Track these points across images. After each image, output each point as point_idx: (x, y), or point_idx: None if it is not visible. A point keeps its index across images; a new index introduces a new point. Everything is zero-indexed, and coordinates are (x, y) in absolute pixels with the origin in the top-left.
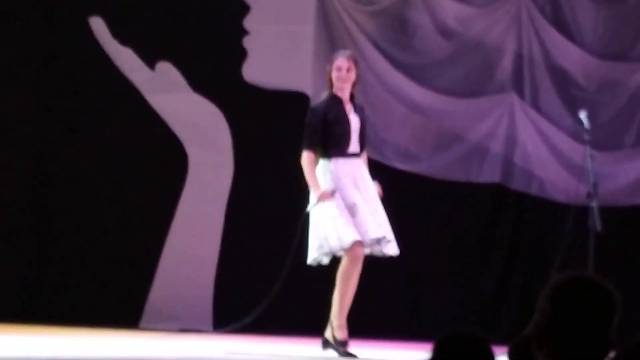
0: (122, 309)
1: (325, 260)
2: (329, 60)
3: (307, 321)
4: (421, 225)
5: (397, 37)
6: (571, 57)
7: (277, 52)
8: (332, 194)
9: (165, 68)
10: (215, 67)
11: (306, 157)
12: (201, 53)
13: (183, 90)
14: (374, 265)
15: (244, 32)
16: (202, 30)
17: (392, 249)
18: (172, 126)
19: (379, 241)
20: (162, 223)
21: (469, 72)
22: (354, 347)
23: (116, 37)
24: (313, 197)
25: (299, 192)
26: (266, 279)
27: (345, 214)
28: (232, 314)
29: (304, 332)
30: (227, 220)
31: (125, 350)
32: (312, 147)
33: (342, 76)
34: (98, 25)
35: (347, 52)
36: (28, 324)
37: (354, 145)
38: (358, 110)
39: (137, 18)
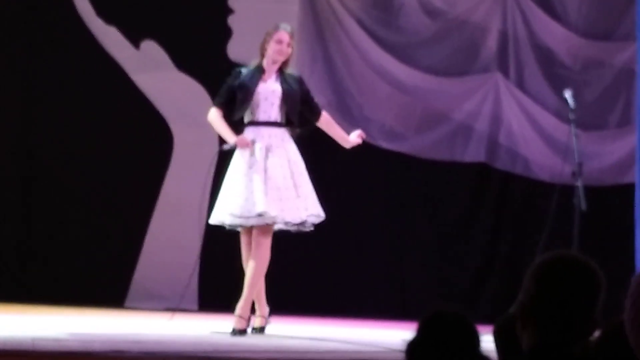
0: (107, 288)
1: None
2: (268, 32)
3: (292, 299)
4: (406, 205)
5: (382, 15)
6: (556, 36)
7: (262, 31)
8: (251, 142)
9: (150, 47)
10: (200, 46)
11: (211, 111)
12: (186, 31)
13: (168, 68)
14: (358, 244)
15: (228, 11)
16: (187, 8)
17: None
18: (157, 105)
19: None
20: (147, 201)
21: (453, 51)
22: (338, 326)
23: (101, 15)
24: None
25: None
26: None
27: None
28: (217, 292)
29: (289, 310)
30: (212, 198)
31: (110, 328)
32: (217, 105)
33: (283, 49)
34: (82, 4)
35: (289, 27)
36: (13, 303)
37: (264, 114)
38: (287, 80)
39: None
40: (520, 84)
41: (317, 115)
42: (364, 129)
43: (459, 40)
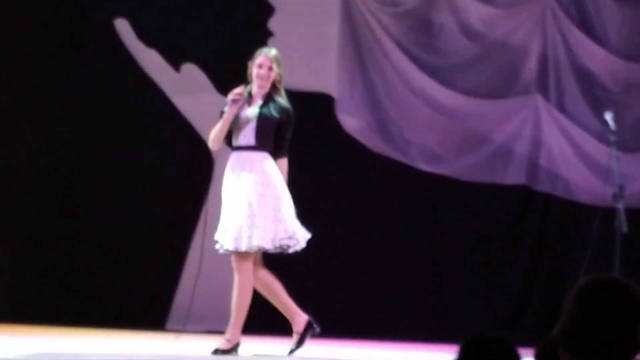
0: (148, 310)
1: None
2: (253, 57)
3: (332, 320)
4: (447, 227)
5: (421, 38)
6: (596, 58)
7: (302, 54)
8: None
9: (191, 69)
10: (240, 68)
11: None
12: (226, 54)
13: (208, 91)
14: (399, 267)
15: (268, 34)
16: (227, 31)
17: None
18: (196, 127)
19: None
20: (187, 224)
21: (493, 73)
22: (379, 348)
23: (141, 38)
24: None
25: (321, 190)
26: (291, 279)
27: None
28: (258, 314)
29: (329, 332)
30: None
31: (151, 351)
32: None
33: (262, 73)
34: (123, 27)
35: (272, 51)
36: (55, 326)
37: (243, 138)
38: (270, 106)
39: (162, 20)
40: (561, 106)
41: (277, 155)
42: (405, 152)
43: (499, 62)
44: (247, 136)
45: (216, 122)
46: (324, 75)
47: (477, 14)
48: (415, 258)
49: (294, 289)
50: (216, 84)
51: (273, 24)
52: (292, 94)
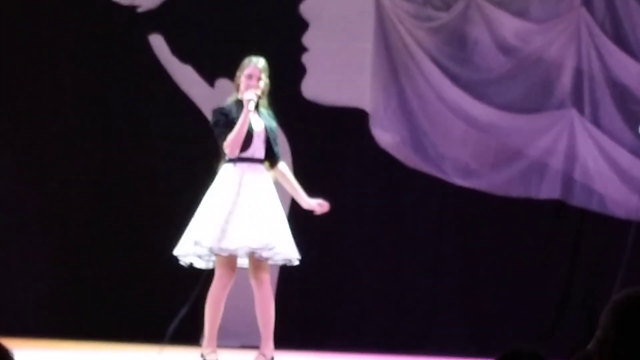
0: (183, 325)
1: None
2: (241, 66)
3: (363, 334)
4: (481, 242)
5: (456, 53)
6: (631, 72)
7: (336, 69)
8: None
9: (225, 85)
10: (274, 84)
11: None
12: None
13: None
14: (433, 281)
15: (303, 49)
16: (260, 46)
17: (276, 256)
18: None
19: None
20: None
21: (528, 88)
22: None
23: (176, 54)
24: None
25: (354, 204)
26: (322, 293)
27: (221, 220)
28: (294, 329)
29: (362, 346)
30: None
31: None
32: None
33: (252, 84)
34: (158, 43)
35: (261, 61)
36: (89, 341)
37: (255, 150)
38: (266, 116)
39: (196, 35)
40: (595, 121)
41: (277, 161)
42: (439, 166)
43: (533, 76)
44: (257, 148)
45: (218, 128)
46: (358, 90)
47: (511, 28)
48: (449, 273)
49: (326, 304)
50: None
51: (307, 39)
52: (326, 110)
